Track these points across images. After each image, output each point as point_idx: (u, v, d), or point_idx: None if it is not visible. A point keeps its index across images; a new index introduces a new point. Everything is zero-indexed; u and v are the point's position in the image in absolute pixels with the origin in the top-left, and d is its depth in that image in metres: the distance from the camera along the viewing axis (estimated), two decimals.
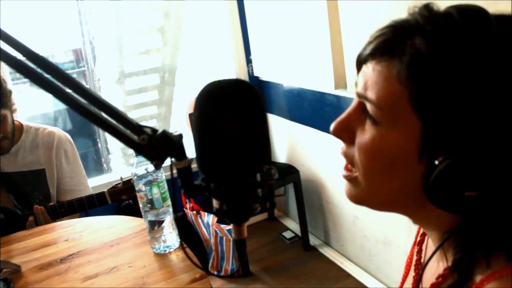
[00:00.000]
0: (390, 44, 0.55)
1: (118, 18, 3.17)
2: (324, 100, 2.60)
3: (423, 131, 0.53)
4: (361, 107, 0.60)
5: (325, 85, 2.40)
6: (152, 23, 3.37)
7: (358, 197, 0.63)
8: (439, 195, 0.53)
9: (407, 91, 0.53)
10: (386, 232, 2.41)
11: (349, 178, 0.63)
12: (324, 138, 2.70)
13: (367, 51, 0.58)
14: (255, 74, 3.24)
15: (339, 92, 2.39)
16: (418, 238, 0.77)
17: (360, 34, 2.05)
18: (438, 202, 0.54)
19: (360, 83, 0.59)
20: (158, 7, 3.34)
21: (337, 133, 0.62)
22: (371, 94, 0.57)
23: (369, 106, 0.57)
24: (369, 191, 0.61)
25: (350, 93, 2.26)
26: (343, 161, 0.65)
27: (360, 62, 0.60)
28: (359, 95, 0.60)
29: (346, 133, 0.62)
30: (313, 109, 2.76)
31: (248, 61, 3.30)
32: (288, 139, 3.20)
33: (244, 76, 3.33)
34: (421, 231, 0.77)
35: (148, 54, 3.41)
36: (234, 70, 3.32)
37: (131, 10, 3.22)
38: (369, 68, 0.58)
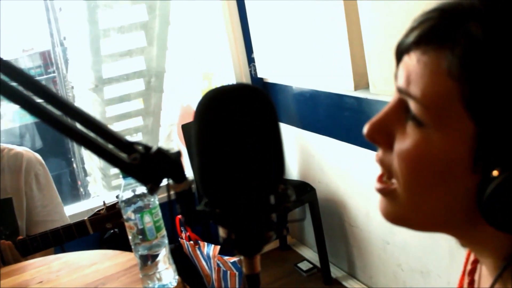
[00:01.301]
0: (439, 31, 0.55)
1: (93, 15, 3.20)
2: (342, 104, 2.60)
3: (478, 136, 0.53)
4: (401, 105, 0.60)
5: (342, 85, 2.41)
6: (133, 19, 3.39)
7: (397, 215, 0.62)
8: (496, 213, 0.53)
9: (459, 88, 0.53)
10: (423, 259, 2.40)
11: (384, 192, 0.63)
12: (344, 148, 2.70)
13: (411, 38, 0.58)
14: (259, 75, 3.25)
15: (360, 94, 2.39)
16: (469, 266, 0.76)
17: (383, 22, 2.05)
18: (494, 221, 0.54)
19: (401, 76, 0.59)
20: (140, 0, 3.36)
21: (372, 137, 0.62)
22: (415, 90, 0.56)
23: (412, 104, 0.57)
24: (411, 208, 0.60)
25: (373, 94, 2.26)
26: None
27: (401, 52, 0.60)
28: (400, 90, 0.59)
29: (383, 137, 0.61)
30: (329, 115, 2.77)
31: (250, 60, 3.32)
32: (301, 152, 3.20)
33: (246, 78, 3.35)
34: (472, 257, 0.76)
35: (130, 56, 3.43)
36: (233, 71, 3.34)
37: (108, 4, 3.24)
38: (412, 59, 0.57)
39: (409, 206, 0.60)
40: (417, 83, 0.56)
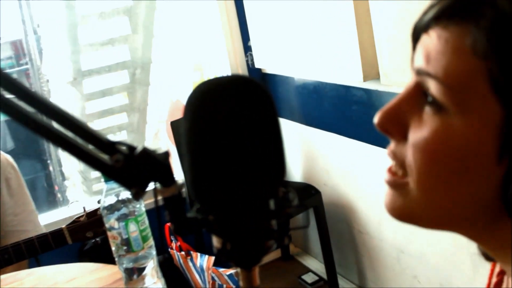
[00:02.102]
0: (462, 4, 0.55)
1: None
2: (349, 97, 2.60)
3: (505, 121, 0.53)
4: (418, 90, 0.59)
5: (350, 76, 2.41)
6: (116, 4, 3.39)
7: (406, 211, 0.62)
8: None
9: (485, 66, 0.52)
10: (442, 270, 2.40)
11: (395, 184, 0.62)
12: (352, 146, 2.71)
13: (430, 14, 0.57)
14: (257, 65, 3.26)
15: (370, 85, 2.39)
16: (494, 279, 0.75)
17: (395, 4, 2.05)
18: None
19: (419, 57, 0.59)
20: None
21: (384, 127, 0.61)
22: (436, 69, 0.56)
23: (432, 85, 0.56)
24: (424, 203, 0.60)
25: (384, 85, 2.26)
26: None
27: (419, 32, 0.60)
28: (418, 72, 0.59)
29: (396, 127, 0.61)
30: (335, 109, 2.77)
31: (247, 49, 3.32)
32: (304, 150, 3.20)
33: (242, 69, 3.35)
34: (497, 268, 0.76)
35: (112, 45, 3.43)
36: (228, 61, 3.34)
37: None
38: (432, 37, 0.57)
39: (421, 203, 0.60)
40: (438, 61, 0.56)
